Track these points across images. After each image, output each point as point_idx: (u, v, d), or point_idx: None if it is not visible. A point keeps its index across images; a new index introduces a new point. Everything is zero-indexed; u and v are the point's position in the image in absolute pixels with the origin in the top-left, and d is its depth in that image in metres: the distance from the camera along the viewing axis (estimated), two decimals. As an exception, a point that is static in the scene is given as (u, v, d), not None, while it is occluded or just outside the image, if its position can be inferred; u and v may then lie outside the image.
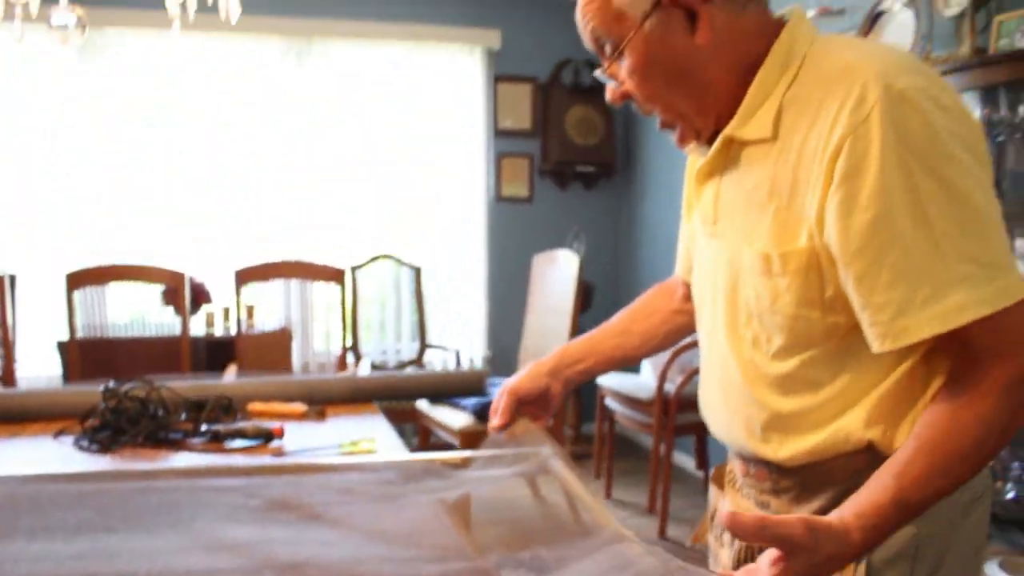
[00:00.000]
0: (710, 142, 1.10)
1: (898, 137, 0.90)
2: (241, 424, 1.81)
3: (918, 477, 0.91)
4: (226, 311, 4.33)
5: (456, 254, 5.28)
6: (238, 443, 1.77)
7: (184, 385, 1.96)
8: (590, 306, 4.91)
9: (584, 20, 1.08)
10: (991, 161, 0.96)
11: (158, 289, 3.95)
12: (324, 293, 4.21)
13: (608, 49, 1.08)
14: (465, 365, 5.13)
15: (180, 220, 4.76)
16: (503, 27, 5.20)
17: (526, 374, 1.35)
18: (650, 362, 4.16)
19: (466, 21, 5.15)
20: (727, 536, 1.19)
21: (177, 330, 3.67)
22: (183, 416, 1.85)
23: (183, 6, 2.51)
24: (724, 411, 1.14)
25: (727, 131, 1.06)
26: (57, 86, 4.50)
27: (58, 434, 1.84)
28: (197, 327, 4.21)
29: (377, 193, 5.09)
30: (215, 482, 1.44)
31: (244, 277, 3.75)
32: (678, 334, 1.41)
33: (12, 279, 3.91)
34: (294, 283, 4.07)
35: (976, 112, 2.61)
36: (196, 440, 1.78)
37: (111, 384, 1.85)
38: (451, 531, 1.19)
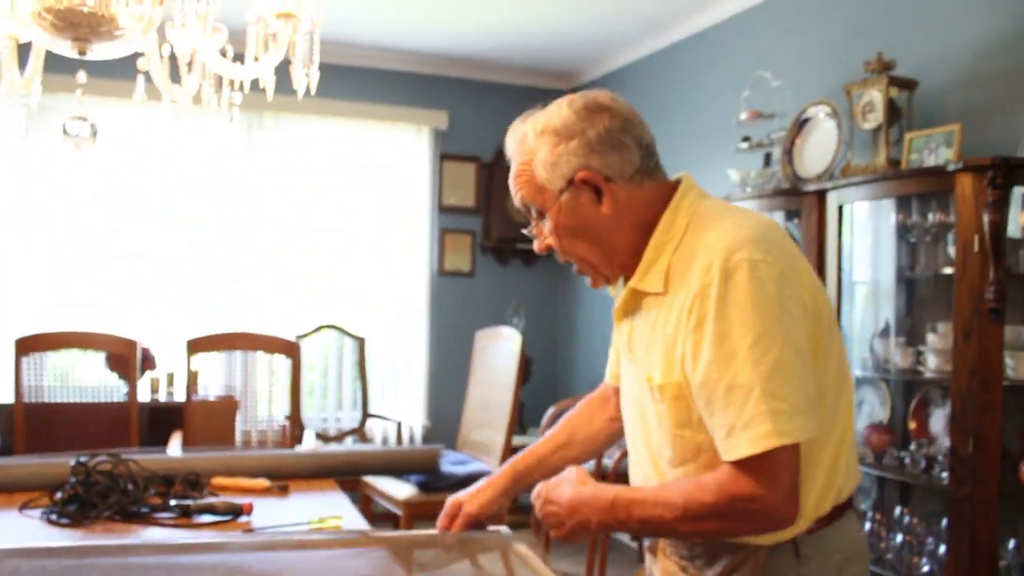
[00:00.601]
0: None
1: (726, 299, 1.17)
2: (210, 500, 1.87)
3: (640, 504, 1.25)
4: (170, 377, 4.33)
5: (399, 325, 5.38)
6: (207, 518, 1.83)
7: (149, 458, 2.02)
8: (528, 379, 5.04)
9: (515, 187, 1.35)
10: (814, 304, 1.23)
11: (102, 355, 3.95)
12: (267, 362, 4.26)
13: (534, 213, 1.35)
14: (406, 435, 5.19)
15: (125, 287, 4.76)
16: (450, 109, 5.40)
17: (484, 500, 1.55)
18: (588, 436, 4.29)
19: (415, 102, 5.34)
20: None
21: (120, 395, 3.67)
22: (151, 491, 1.91)
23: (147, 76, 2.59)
24: None
25: (632, 284, 1.32)
26: (5, 150, 4.51)
27: (23, 507, 1.88)
28: (142, 392, 4.20)
29: (324, 264, 5.18)
30: (193, 558, 1.52)
31: (196, 347, 3.79)
32: (615, 439, 1.65)
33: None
34: (238, 353, 4.11)
35: (891, 217, 2.87)
36: (166, 515, 1.84)
37: (82, 458, 1.90)
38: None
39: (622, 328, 1.39)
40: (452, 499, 1.56)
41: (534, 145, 1.31)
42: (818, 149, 3.20)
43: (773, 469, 1.13)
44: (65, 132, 1.79)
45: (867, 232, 2.97)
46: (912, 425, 2.86)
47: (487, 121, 5.50)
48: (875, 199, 2.86)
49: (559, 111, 1.31)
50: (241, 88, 1.90)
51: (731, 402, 1.15)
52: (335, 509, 1.92)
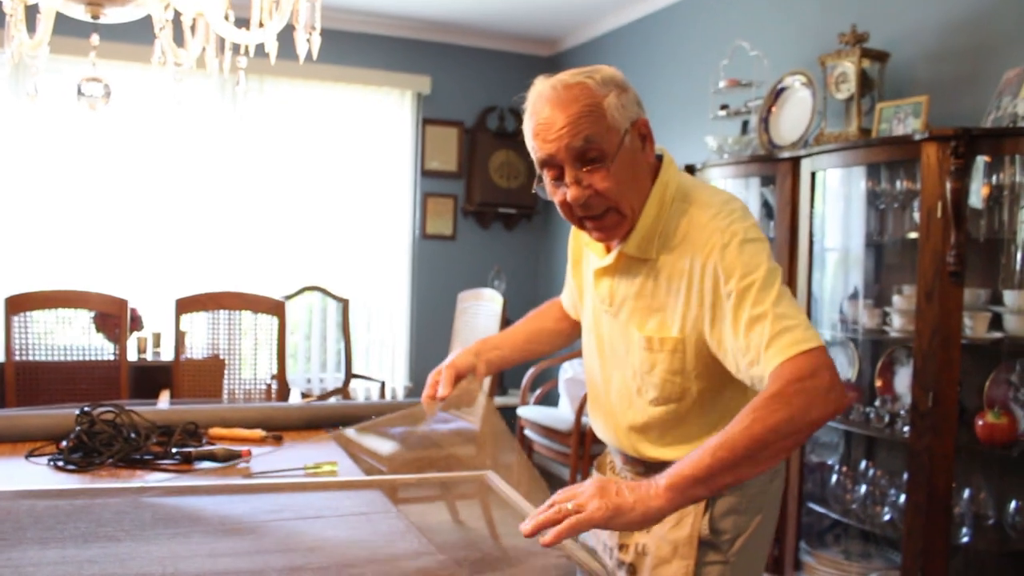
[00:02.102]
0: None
1: (736, 258, 1.35)
2: (210, 447, 1.96)
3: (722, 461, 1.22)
4: (156, 337, 4.39)
5: (382, 287, 5.46)
6: (207, 464, 1.92)
7: (148, 410, 2.10)
8: (510, 341, 5.14)
9: (575, 127, 1.38)
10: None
11: (88, 314, 4.01)
12: (252, 323, 4.33)
13: (593, 154, 1.39)
14: (389, 395, 5.30)
15: (113, 247, 4.81)
16: (433, 74, 5.45)
17: (458, 355, 1.77)
18: (567, 396, 4.42)
19: (398, 67, 5.38)
20: None
21: (106, 355, 3.74)
22: (153, 439, 1.99)
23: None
24: (611, 424, 1.60)
25: (623, 249, 1.48)
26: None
27: (29, 455, 1.95)
28: (129, 353, 4.27)
29: (308, 226, 5.24)
30: (199, 499, 1.61)
31: (184, 306, 3.86)
32: (570, 339, 1.91)
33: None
34: (223, 313, 4.17)
35: (861, 184, 2.98)
36: (167, 462, 1.92)
37: (86, 407, 1.98)
38: (422, 538, 1.39)
39: (602, 284, 1.56)
40: (431, 374, 1.78)
41: (599, 91, 1.40)
42: (793, 118, 3.29)
43: (814, 361, 1.25)
44: (80, 93, 1.84)
45: (838, 198, 3.08)
46: (878, 383, 3.00)
47: (470, 86, 5.55)
48: (846, 167, 2.97)
49: (606, 69, 1.43)
50: (247, 52, 1.96)
51: (759, 327, 1.30)
52: (328, 457, 2.01)
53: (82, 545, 1.35)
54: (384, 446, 3.82)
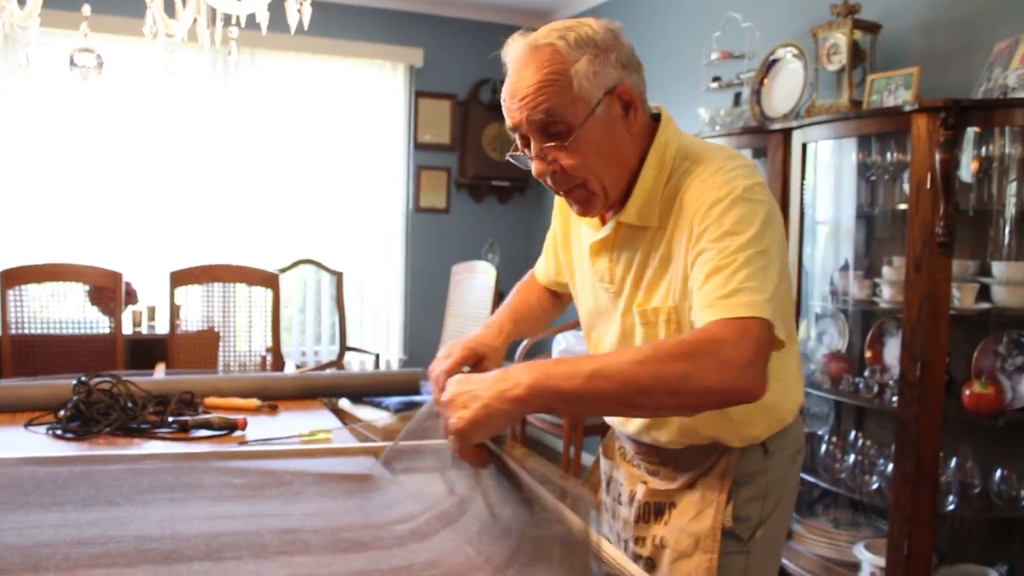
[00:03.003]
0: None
1: (728, 214, 1.22)
2: (206, 416, 1.98)
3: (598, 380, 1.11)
4: (151, 311, 4.40)
5: (376, 260, 5.48)
6: (203, 433, 1.94)
7: (145, 380, 2.12)
8: (504, 314, 5.18)
9: (535, 99, 1.25)
10: (780, 226, 1.29)
11: (83, 288, 4.02)
12: (247, 296, 4.34)
13: (556, 128, 1.27)
14: (383, 368, 5.33)
15: (106, 221, 4.82)
16: (425, 46, 5.43)
17: (489, 333, 1.54)
18: (560, 368, 4.45)
19: (390, 39, 5.36)
20: (625, 496, 1.55)
21: (101, 329, 3.76)
22: (149, 409, 2.01)
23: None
24: None
25: (621, 219, 1.35)
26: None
27: (28, 424, 1.98)
28: (124, 326, 4.29)
29: (301, 200, 5.25)
30: (196, 465, 1.63)
31: (179, 279, 3.87)
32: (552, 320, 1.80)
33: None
34: (217, 286, 4.19)
35: (852, 156, 2.99)
36: (164, 430, 1.95)
37: (83, 377, 2.00)
38: (418, 503, 1.41)
39: (599, 261, 1.43)
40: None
41: (569, 55, 1.25)
42: (785, 89, 3.30)
43: (748, 332, 1.12)
44: (72, 63, 1.85)
45: (829, 171, 3.10)
46: (868, 354, 3.03)
47: (462, 59, 5.53)
48: (837, 138, 2.98)
49: (588, 27, 1.28)
50: (237, 23, 1.96)
51: (718, 277, 1.17)
52: (323, 425, 2.03)
53: (82, 509, 1.38)
54: (379, 417, 3.84)
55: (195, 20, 1.93)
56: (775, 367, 1.28)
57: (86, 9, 1.80)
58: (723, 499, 1.38)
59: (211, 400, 2.17)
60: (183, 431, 1.94)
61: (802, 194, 3.06)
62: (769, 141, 3.16)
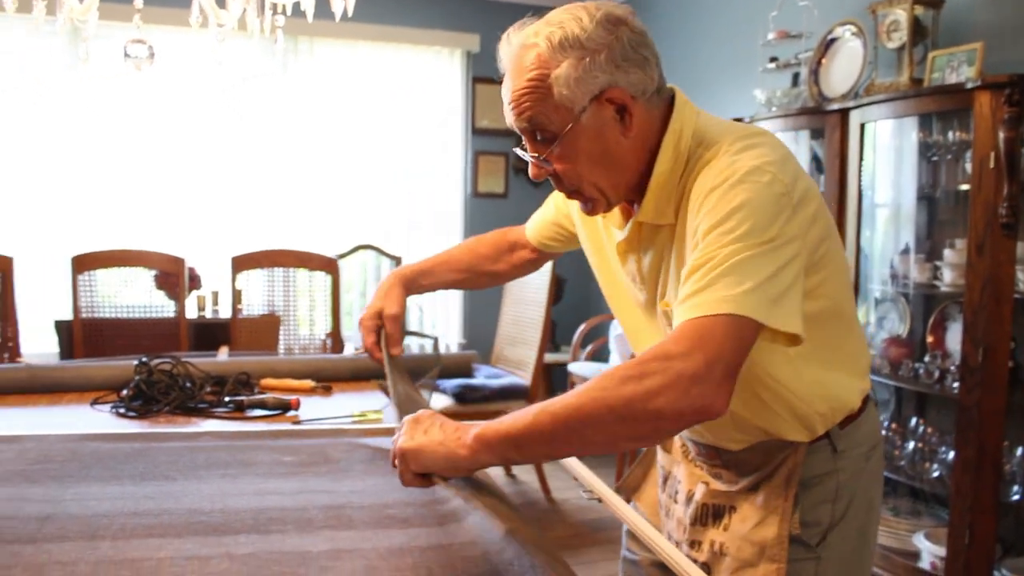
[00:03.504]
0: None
1: (728, 199, 1.11)
2: (261, 396, 2.04)
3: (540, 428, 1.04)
4: (215, 295, 4.52)
5: (434, 246, 5.52)
6: (259, 412, 1.99)
7: (203, 361, 2.19)
8: (561, 298, 5.18)
9: (518, 107, 1.20)
10: (814, 204, 1.18)
11: (150, 274, 4.15)
12: (308, 281, 4.43)
13: (540, 135, 1.21)
14: (443, 352, 5.38)
15: (172, 209, 4.96)
16: (482, 31, 5.44)
17: (393, 299, 1.66)
18: (618, 351, 4.45)
19: (447, 25, 5.38)
20: (683, 495, 1.47)
21: (166, 313, 3.88)
22: (207, 389, 2.08)
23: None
24: None
25: (639, 218, 1.27)
26: (59, 80, 4.67)
27: (94, 403, 2.06)
28: (189, 310, 4.41)
29: (361, 186, 5.32)
30: (249, 443, 1.69)
31: (240, 264, 3.96)
32: (505, 281, 1.83)
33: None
34: (279, 271, 4.29)
35: (913, 135, 2.92)
36: (221, 410, 2.01)
37: (144, 358, 2.07)
38: (458, 482, 1.43)
39: (629, 263, 1.35)
40: (363, 317, 1.67)
41: (552, 59, 1.17)
42: (844, 69, 3.23)
43: (705, 339, 1.03)
44: (126, 54, 1.91)
45: (889, 151, 3.03)
46: (930, 339, 2.96)
47: (519, 44, 5.52)
48: (897, 117, 2.91)
49: (578, 22, 1.17)
50: (284, 12, 2.00)
51: (694, 276, 1.09)
52: (375, 406, 2.07)
53: (140, 483, 1.43)
54: (439, 401, 3.89)
55: (244, 10, 1.98)
56: (823, 355, 1.25)
57: (138, 1, 1.85)
58: (789, 505, 1.27)
59: (267, 381, 2.23)
60: (239, 410, 2.00)
61: (860, 176, 3.00)
62: (826, 122, 3.10)
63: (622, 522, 1.44)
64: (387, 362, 1.70)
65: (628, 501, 1.57)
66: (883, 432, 3.01)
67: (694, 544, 1.39)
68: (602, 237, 1.43)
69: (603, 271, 1.47)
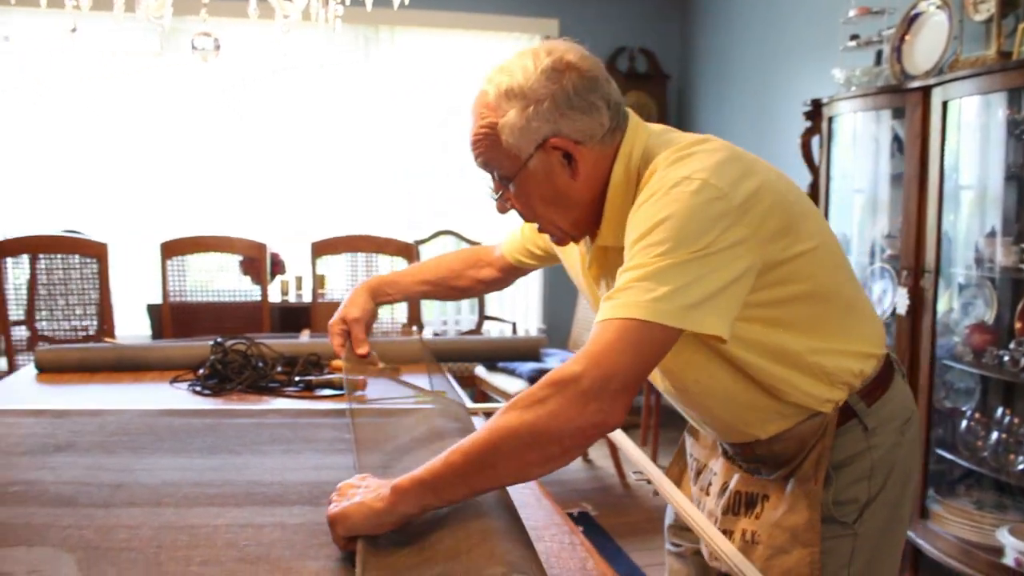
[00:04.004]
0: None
1: (658, 207, 1.12)
2: (329, 376, 2.11)
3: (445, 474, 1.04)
4: (299, 280, 4.66)
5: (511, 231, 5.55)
6: (327, 392, 2.06)
7: (277, 342, 2.27)
8: (638, 284, 5.15)
9: (474, 150, 1.28)
10: (768, 199, 1.16)
11: (237, 259, 4.30)
12: (389, 265, 4.52)
13: (496, 175, 1.29)
14: (521, 336, 5.42)
15: (257, 196, 5.12)
16: (561, 16, 5.43)
17: (357, 305, 1.73)
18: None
19: (525, 11, 5.39)
20: (716, 487, 1.48)
21: (252, 297, 4.02)
22: (279, 369, 2.15)
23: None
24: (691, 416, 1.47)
25: (599, 242, 1.31)
26: (146, 74, 4.87)
27: (173, 381, 2.16)
28: (272, 294, 4.56)
29: (441, 172, 5.39)
30: (314, 421, 1.75)
31: (320, 249, 4.07)
32: (470, 296, 1.91)
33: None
34: (361, 256, 4.39)
35: (1000, 112, 2.79)
36: (290, 389, 2.08)
37: (219, 339, 2.16)
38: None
39: (601, 286, 1.39)
40: (331, 322, 1.74)
41: (499, 107, 1.22)
42: (928, 45, 3.11)
43: (609, 350, 1.05)
44: (193, 47, 1.98)
45: (974, 129, 2.90)
46: (1017, 325, 2.84)
47: (598, 28, 5.49)
48: (982, 93, 2.79)
49: (524, 70, 1.21)
50: (343, 2, 2.04)
51: (617, 282, 1.11)
52: (439, 387, 2.11)
53: (207, 456, 1.51)
54: (513, 384, 3.92)
55: (308, 1, 2.03)
56: (811, 334, 1.25)
57: (206, -5, 1.92)
58: (818, 489, 1.28)
59: (337, 362, 2.29)
60: (308, 390, 2.07)
61: (942, 156, 2.88)
62: (907, 100, 3.00)
63: (670, 503, 1.45)
64: (345, 362, 1.77)
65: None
66: (965, 422, 2.91)
67: (725, 534, 1.39)
68: (578, 261, 1.46)
69: (585, 293, 1.50)
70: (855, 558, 1.32)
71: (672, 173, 1.15)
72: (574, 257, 1.48)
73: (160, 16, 1.85)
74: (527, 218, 1.33)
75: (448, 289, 1.84)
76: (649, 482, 1.54)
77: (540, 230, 1.36)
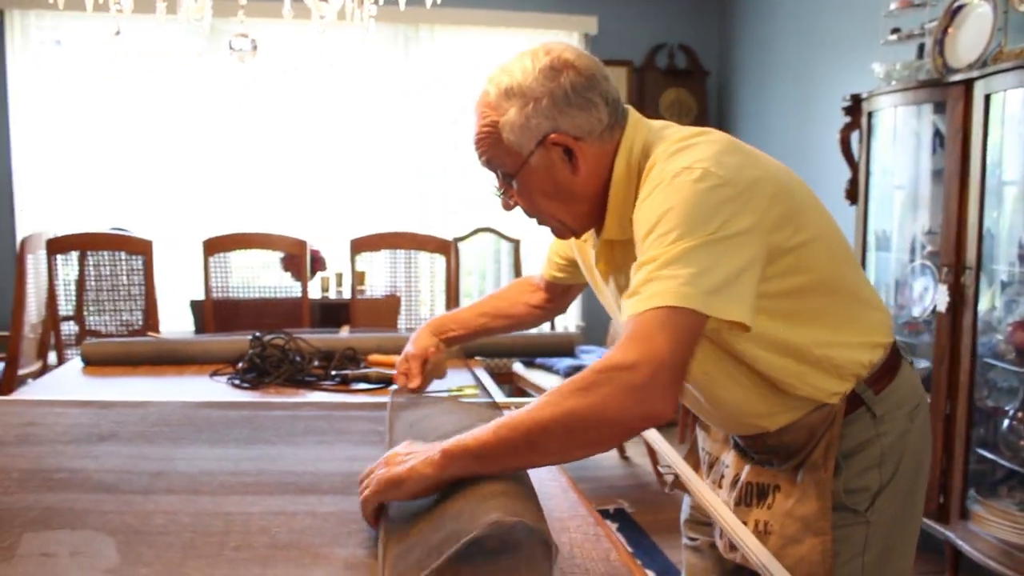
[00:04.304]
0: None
1: (665, 199, 1.15)
2: (365, 371, 2.14)
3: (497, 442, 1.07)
4: (339, 277, 4.72)
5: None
6: (362, 386, 2.09)
7: (315, 337, 2.31)
8: (677, 281, 5.14)
9: (477, 149, 1.32)
10: (770, 187, 1.19)
11: (279, 256, 4.37)
12: (429, 263, 4.56)
13: (499, 173, 1.33)
14: (556, 332, 5.44)
15: (298, 194, 5.20)
16: (600, 13, 5.42)
17: (417, 341, 1.82)
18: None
19: (564, 8, 5.39)
20: (728, 479, 1.49)
21: (294, 293, 4.08)
22: (315, 363, 2.19)
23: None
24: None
25: (605, 236, 1.35)
26: (189, 75, 4.98)
27: (213, 374, 2.21)
28: (313, 291, 4.62)
29: (481, 169, 5.40)
30: (348, 413, 1.78)
31: (358, 246, 4.13)
32: (529, 326, 1.92)
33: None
34: (400, 253, 4.43)
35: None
36: (327, 382, 2.12)
37: (257, 334, 2.21)
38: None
39: (610, 280, 1.42)
40: (397, 361, 1.84)
41: (499, 106, 1.27)
42: (971, 37, 3.06)
43: (652, 339, 1.06)
44: (230, 48, 2.03)
45: (1018, 123, 2.85)
46: (1063, 323, 2.79)
47: (637, 24, 5.48)
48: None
49: (523, 70, 1.26)
50: (377, 2, 2.07)
51: (637, 275, 1.13)
52: (472, 381, 2.14)
53: (243, 446, 1.55)
54: (550, 381, 3.93)
55: (344, 3, 2.06)
56: (817, 324, 1.26)
57: (241, -1, 1.96)
58: (828, 476, 1.29)
59: (374, 357, 2.33)
60: (344, 383, 2.11)
61: (984, 151, 2.83)
62: (948, 94, 2.95)
63: (693, 497, 1.46)
64: (394, 394, 1.81)
65: (684, 489, 1.59)
66: (1007, 421, 2.86)
67: None
68: (591, 260, 1.49)
69: (598, 292, 1.53)
70: (869, 547, 1.33)
71: (673, 164, 1.18)
72: (588, 257, 1.51)
73: (200, 18, 1.89)
74: (530, 213, 1.38)
75: (505, 318, 1.87)
76: (676, 477, 1.55)
77: (540, 223, 1.40)
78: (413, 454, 1.12)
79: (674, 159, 1.19)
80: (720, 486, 1.50)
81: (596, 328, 5.37)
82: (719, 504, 1.41)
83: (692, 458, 1.67)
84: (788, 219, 1.21)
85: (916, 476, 1.37)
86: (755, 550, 1.27)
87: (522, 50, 1.30)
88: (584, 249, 1.52)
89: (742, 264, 1.13)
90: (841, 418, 1.30)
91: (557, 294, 1.84)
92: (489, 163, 1.33)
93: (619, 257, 1.36)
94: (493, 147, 1.30)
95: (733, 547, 1.39)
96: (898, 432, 1.34)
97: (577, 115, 1.25)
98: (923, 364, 3.28)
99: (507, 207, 1.39)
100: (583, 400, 1.04)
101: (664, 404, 1.06)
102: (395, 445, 1.23)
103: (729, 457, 1.50)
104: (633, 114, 1.33)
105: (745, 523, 1.38)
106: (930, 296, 3.17)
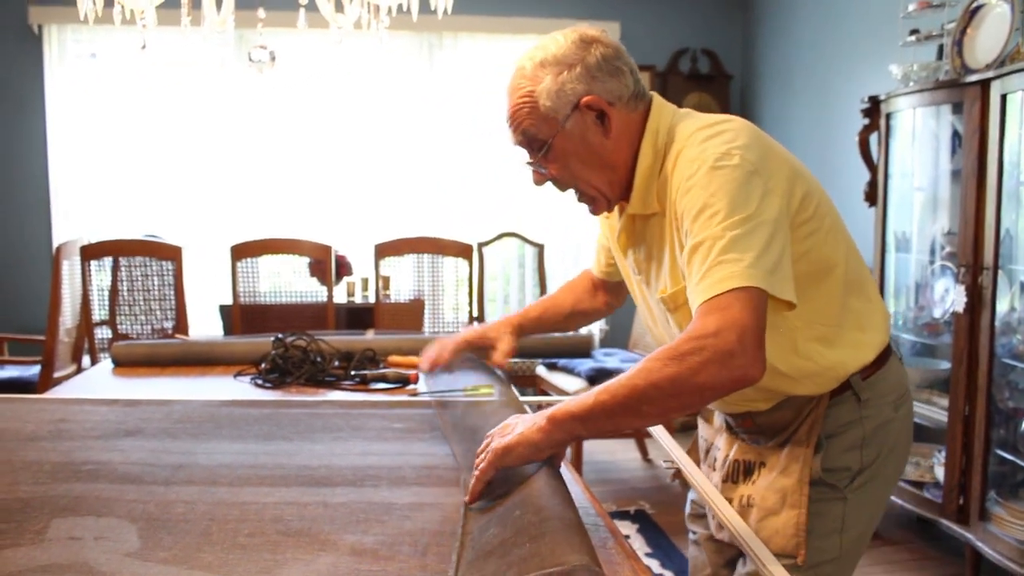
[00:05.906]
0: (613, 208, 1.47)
1: (707, 187, 1.24)
2: (383, 371, 2.19)
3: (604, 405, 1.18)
4: (364, 282, 4.79)
5: (576, 233, 5.60)
6: (381, 385, 2.15)
7: (336, 339, 2.37)
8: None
9: (514, 123, 1.40)
10: (786, 173, 1.30)
11: (305, 261, 4.45)
12: (453, 268, 4.62)
13: (536, 145, 1.40)
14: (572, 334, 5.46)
15: (325, 200, 5.28)
16: (622, 19, 5.46)
17: (478, 329, 1.88)
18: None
19: (587, 14, 5.43)
20: (720, 460, 1.58)
21: (321, 298, 4.16)
22: (336, 363, 2.25)
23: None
24: None
25: (629, 210, 1.43)
26: (216, 85, 5.09)
27: (237, 375, 2.27)
28: (339, 296, 4.70)
29: (504, 175, 5.47)
30: (364, 411, 1.83)
31: (382, 251, 4.19)
32: (597, 317, 1.98)
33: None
34: (426, 257, 4.49)
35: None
36: (347, 382, 2.17)
37: (280, 336, 2.27)
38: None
39: (629, 256, 1.51)
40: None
41: (535, 76, 1.37)
42: (990, 38, 3.05)
43: (731, 309, 1.14)
44: (250, 59, 2.10)
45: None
46: (1084, 323, 2.78)
47: (659, 30, 5.51)
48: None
49: (555, 43, 1.37)
50: (390, 12, 2.13)
51: (696, 258, 1.20)
52: (487, 381, 2.18)
53: (262, 442, 1.61)
54: (572, 383, 3.96)
55: (359, 15, 2.12)
56: (821, 313, 1.35)
57: (260, 12, 2.03)
58: (809, 452, 1.38)
59: (393, 358, 2.38)
60: (363, 383, 2.16)
61: (1001, 151, 2.83)
62: (965, 95, 2.95)
63: (690, 486, 1.56)
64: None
65: (684, 481, 1.68)
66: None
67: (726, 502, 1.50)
68: (616, 238, 1.56)
69: (623, 272, 1.61)
70: (847, 525, 1.41)
71: (710, 149, 1.27)
72: (614, 237, 1.58)
73: (223, 30, 1.96)
74: (565, 182, 1.43)
75: (582, 313, 1.92)
76: (677, 470, 1.60)
77: (579, 199, 1.46)
78: (520, 423, 1.23)
79: (709, 144, 1.27)
80: (714, 468, 1.58)
81: (619, 330, 5.40)
82: (708, 485, 1.48)
83: (695, 454, 1.73)
84: (804, 205, 1.31)
85: (897, 463, 1.47)
86: (738, 527, 1.36)
87: (547, 35, 1.41)
88: (614, 233, 1.58)
89: (782, 246, 1.22)
90: (827, 399, 1.39)
91: (609, 292, 1.90)
92: (525, 133, 1.39)
93: (640, 231, 1.46)
94: (529, 116, 1.37)
95: (722, 526, 1.47)
96: (882, 418, 1.42)
97: (608, 80, 1.35)
98: (944, 366, 3.27)
99: (539, 181, 1.45)
100: (676, 368, 1.13)
101: (754, 367, 1.13)
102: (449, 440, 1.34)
103: (721, 439, 1.58)
104: (657, 97, 1.42)
105: (732, 499, 1.48)
106: (951, 298, 3.16)
